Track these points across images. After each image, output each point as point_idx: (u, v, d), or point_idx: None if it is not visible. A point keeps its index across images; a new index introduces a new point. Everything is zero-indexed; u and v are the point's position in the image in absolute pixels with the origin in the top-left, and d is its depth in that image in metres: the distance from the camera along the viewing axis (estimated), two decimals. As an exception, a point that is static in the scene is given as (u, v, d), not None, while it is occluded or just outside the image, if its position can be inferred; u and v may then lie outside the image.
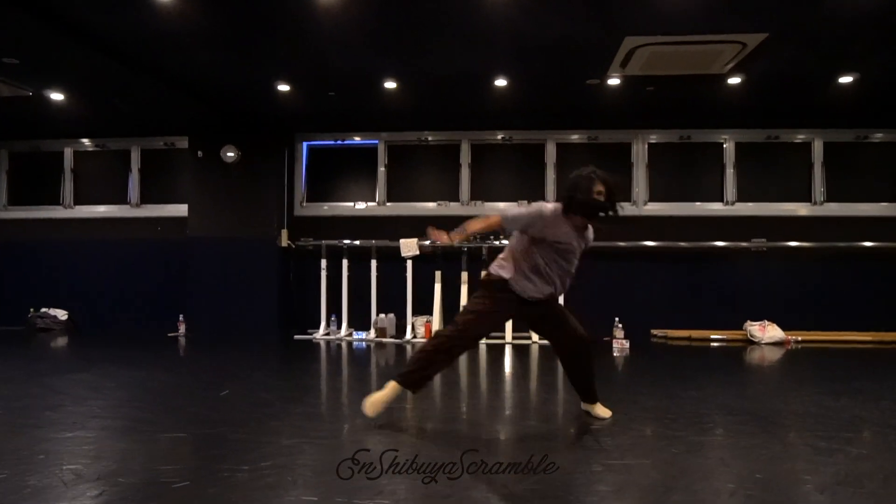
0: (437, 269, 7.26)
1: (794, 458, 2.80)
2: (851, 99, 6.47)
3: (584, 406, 3.51)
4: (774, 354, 6.29)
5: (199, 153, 7.68)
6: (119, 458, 2.69)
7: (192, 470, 2.54)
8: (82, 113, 7.16)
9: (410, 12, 4.60)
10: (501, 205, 7.53)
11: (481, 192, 7.86)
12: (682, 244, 7.49)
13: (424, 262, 7.25)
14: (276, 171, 7.75)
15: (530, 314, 3.42)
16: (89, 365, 5.35)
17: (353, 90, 6.39)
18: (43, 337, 7.37)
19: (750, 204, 7.64)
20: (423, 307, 7.29)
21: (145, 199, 8.22)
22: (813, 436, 3.12)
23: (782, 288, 7.48)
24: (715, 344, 7.00)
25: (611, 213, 3.25)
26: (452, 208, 7.79)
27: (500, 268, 3.31)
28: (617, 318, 6.85)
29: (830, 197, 7.58)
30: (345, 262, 7.48)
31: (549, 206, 3.25)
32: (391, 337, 7.24)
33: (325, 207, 8.09)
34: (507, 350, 6.48)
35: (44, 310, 7.98)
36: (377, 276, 7.41)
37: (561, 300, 7.07)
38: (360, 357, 6.24)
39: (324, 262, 7.51)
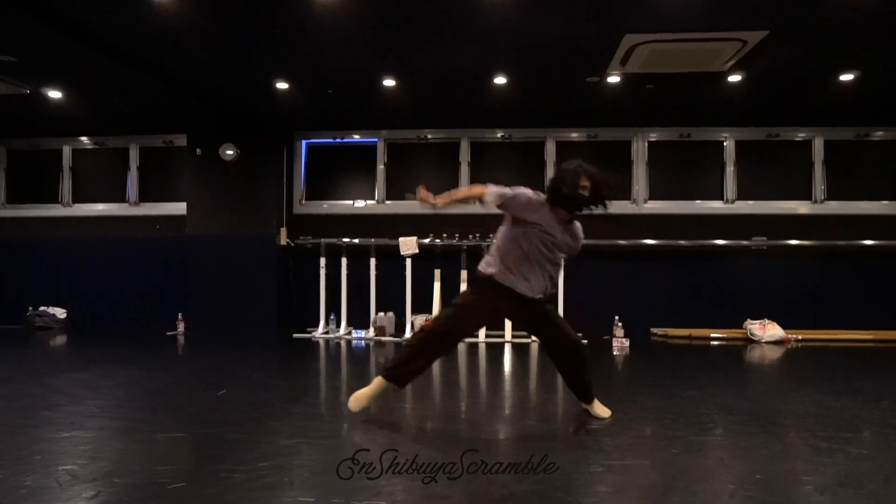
0: (437, 268, 7.25)
1: (794, 458, 2.79)
2: (852, 97, 6.45)
3: (582, 406, 3.51)
4: (774, 353, 6.28)
5: (198, 151, 7.65)
6: (116, 459, 2.68)
7: (189, 470, 2.53)
8: (81, 111, 7.13)
9: (409, 10, 4.58)
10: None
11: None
12: (682, 242, 7.47)
13: (424, 260, 7.24)
14: (275, 170, 7.73)
15: (521, 314, 3.42)
16: (87, 364, 5.35)
17: (352, 88, 6.37)
18: (41, 335, 7.36)
19: (750, 202, 7.63)
20: (422, 306, 7.27)
21: (144, 197, 8.19)
22: (813, 436, 3.11)
23: (782, 286, 7.47)
24: (715, 343, 6.99)
25: (595, 208, 3.25)
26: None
27: (487, 265, 3.32)
28: (617, 317, 6.84)
29: (831, 195, 7.56)
30: (344, 261, 7.47)
31: (534, 193, 3.27)
32: (390, 335, 7.23)
33: (325, 206, 8.07)
34: (507, 349, 6.48)
35: (42, 308, 7.96)
36: (376, 275, 7.39)
37: (561, 303, 7.12)
38: (359, 356, 6.23)
39: (323, 261, 7.49)
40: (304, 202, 8.08)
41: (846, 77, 5.90)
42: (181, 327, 7.47)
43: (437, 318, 3.41)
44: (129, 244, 8.06)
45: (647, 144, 7.72)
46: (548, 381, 4.77)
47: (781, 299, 7.35)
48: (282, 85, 6.22)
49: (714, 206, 7.66)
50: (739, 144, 7.65)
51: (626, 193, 7.69)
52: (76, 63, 5.60)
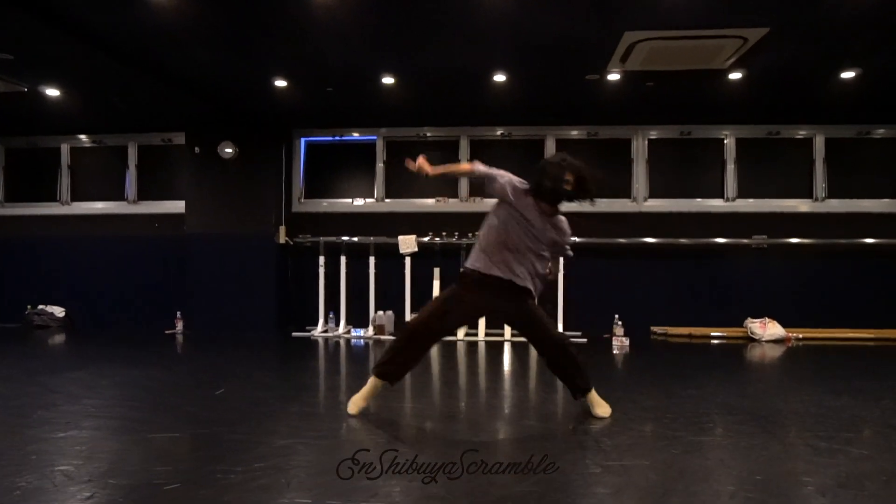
0: (436, 266, 7.23)
1: (794, 458, 2.77)
2: (853, 94, 6.42)
3: (580, 399, 3.49)
4: (775, 352, 6.26)
5: (197, 149, 7.63)
6: (111, 459, 2.66)
7: (185, 471, 2.52)
8: (79, 109, 7.11)
9: (408, 7, 4.55)
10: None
11: (481, 189, 7.78)
12: (683, 241, 7.45)
13: (423, 258, 7.22)
14: (274, 168, 7.71)
15: (506, 312, 3.45)
16: (85, 363, 5.33)
17: (351, 86, 6.34)
18: (40, 334, 7.34)
19: (751, 200, 7.60)
20: (421, 304, 7.22)
21: (143, 195, 8.17)
22: (813, 436, 3.09)
23: (783, 285, 7.45)
24: (715, 341, 6.97)
25: (579, 202, 3.28)
26: (451, 205, 7.75)
27: (470, 260, 3.36)
28: (617, 316, 6.82)
29: (832, 193, 7.54)
30: (343, 259, 7.45)
31: (520, 181, 3.30)
32: (390, 334, 7.20)
33: (324, 204, 8.05)
34: (507, 348, 6.46)
35: (41, 307, 7.95)
36: (375, 273, 7.37)
37: (560, 302, 7.10)
38: (358, 354, 6.21)
39: (322, 259, 7.48)
40: (303, 200, 8.06)
41: (847, 74, 5.87)
42: (180, 326, 7.45)
43: (420, 312, 3.45)
44: (128, 243, 8.04)
45: (647, 142, 7.70)
46: (547, 381, 4.74)
47: (782, 298, 7.33)
48: (280, 83, 6.20)
49: (714, 205, 7.63)
50: (740, 142, 7.62)
51: (626, 191, 7.67)
52: (74, 61, 5.57)
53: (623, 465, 2.61)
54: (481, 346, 6.54)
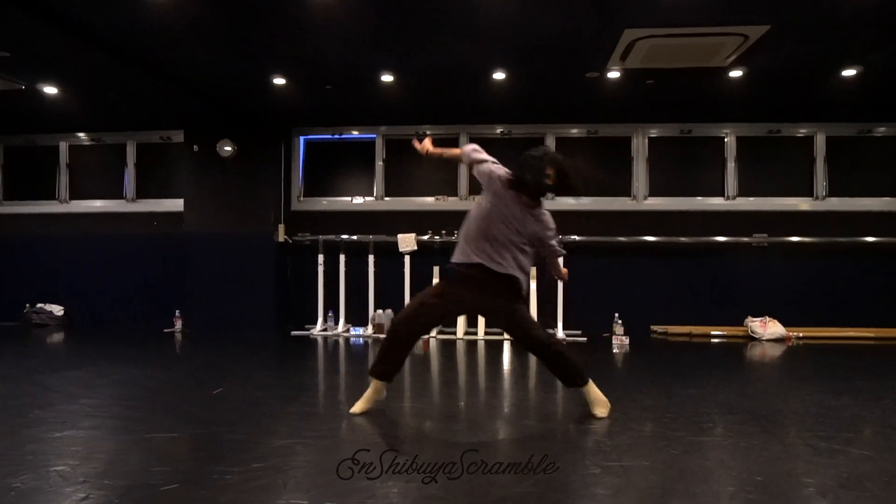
0: (436, 265, 7.21)
1: (794, 458, 2.76)
2: (854, 92, 6.39)
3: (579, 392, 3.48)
4: (775, 351, 6.25)
5: (196, 147, 7.61)
6: (108, 459, 2.64)
7: (182, 471, 2.50)
8: (77, 107, 7.08)
9: (407, 4, 4.53)
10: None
11: (480, 187, 7.77)
12: (683, 239, 7.43)
13: (422, 257, 7.20)
14: (273, 166, 7.69)
15: (489, 310, 3.46)
16: (84, 361, 5.32)
17: (350, 84, 6.32)
18: (38, 333, 7.33)
19: (751, 199, 7.58)
20: (421, 303, 7.23)
21: (141, 193, 8.15)
22: (814, 436, 3.08)
23: (783, 284, 7.43)
24: (715, 340, 6.96)
25: (556, 195, 3.33)
26: (451, 203, 7.73)
27: (459, 253, 3.36)
28: (616, 314, 6.81)
29: (833, 192, 7.52)
30: (342, 258, 7.43)
31: (506, 172, 3.37)
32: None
33: (323, 202, 8.03)
34: (506, 347, 6.44)
35: (40, 305, 7.93)
36: (375, 272, 7.36)
37: (560, 300, 7.09)
38: (357, 353, 6.20)
39: (321, 258, 7.46)
40: (302, 199, 8.04)
41: (848, 73, 5.85)
42: (178, 324, 7.44)
43: (403, 309, 3.48)
44: (127, 241, 8.02)
45: (647, 140, 7.68)
46: (547, 380, 4.73)
47: (782, 297, 7.32)
48: (279, 81, 6.17)
49: (715, 203, 7.62)
50: (740, 140, 7.60)
51: (626, 190, 7.65)
52: (72, 59, 5.54)
53: (623, 466, 2.59)
54: (481, 346, 6.53)
